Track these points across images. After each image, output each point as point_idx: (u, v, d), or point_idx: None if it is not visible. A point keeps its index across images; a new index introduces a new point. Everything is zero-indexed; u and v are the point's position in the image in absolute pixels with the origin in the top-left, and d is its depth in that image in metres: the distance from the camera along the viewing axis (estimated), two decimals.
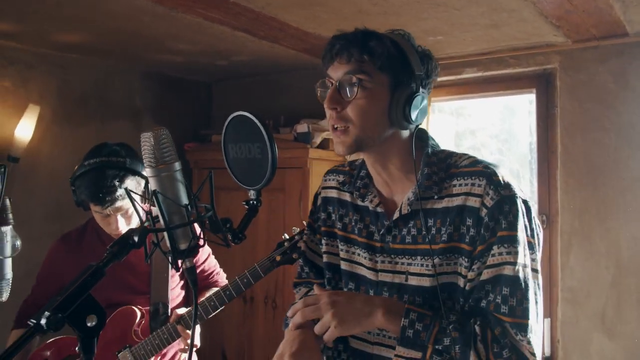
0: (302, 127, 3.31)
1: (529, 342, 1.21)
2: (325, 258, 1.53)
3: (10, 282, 1.66)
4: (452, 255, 1.29)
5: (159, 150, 1.02)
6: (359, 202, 1.46)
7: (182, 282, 2.30)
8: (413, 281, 1.33)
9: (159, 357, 2.15)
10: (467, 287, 1.27)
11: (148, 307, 2.18)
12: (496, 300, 1.23)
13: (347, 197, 1.50)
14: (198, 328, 2.21)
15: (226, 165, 1.23)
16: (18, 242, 1.60)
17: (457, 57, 3.20)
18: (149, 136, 1.02)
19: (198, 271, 2.32)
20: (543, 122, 3.07)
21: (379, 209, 1.40)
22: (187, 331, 2.08)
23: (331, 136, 3.38)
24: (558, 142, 2.97)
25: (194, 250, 1.05)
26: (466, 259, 1.27)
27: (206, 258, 2.37)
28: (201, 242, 1.07)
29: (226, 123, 1.20)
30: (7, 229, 1.59)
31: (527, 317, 1.22)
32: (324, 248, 1.54)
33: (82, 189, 1.98)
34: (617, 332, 2.77)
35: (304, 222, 1.94)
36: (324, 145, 3.35)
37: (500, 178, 1.27)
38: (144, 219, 1.66)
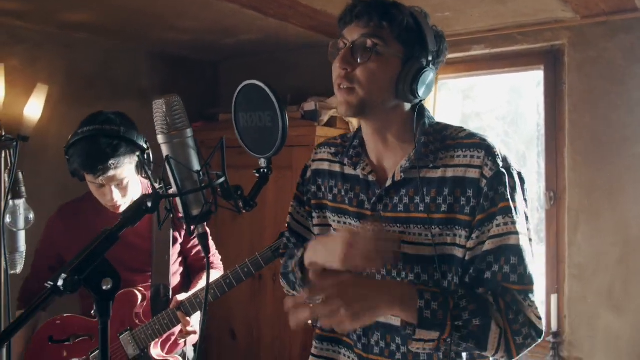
0: (309, 105, 3.31)
1: (536, 307, 1.26)
2: (316, 230, 1.55)
3: (24, 255, 1.69)
4: (451, 227, 1.31)
5: (171, 116, 1.03)
6: (350, 172, 1.47)
7: (180, 268, 2.31)
8: (409, 250, 1.34)
9: (160, 341, 2.16)
10: (466, 258, 1.29)
11: (149, 289, 2.18)
12: (503, 270, 1.26)
13: (337, 168, 1.51)
14: (197, 315, 2.18)
15: (237, 134, 1.23)
16: (31, 215, 1.63)
17: (464, 34, 3.18)
18: (161, 103, 1.03)
19: (194, 252, 2.33)
20: (551, 99, 3.06)
21: (370, 177, 1.41)
22: (187, 318, 2.08)
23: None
24: (566, 119, 2.96)
25: (207, 216, 1.06)
26: (465, 230, 1.29)
27: None
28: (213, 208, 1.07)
29: (237, 92, 1.20)
30: (20, 202, 1.62)
31: (532, 283, 1.27)
32: (315, 221, 1.55)
33: (75, 157, 1.95)
34: (624, 308, 2.78)
35: None
36: (332, 123, 3.34)
37: (497, 150, 1.31)
38: (146, 192, 1.66)
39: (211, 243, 2.40)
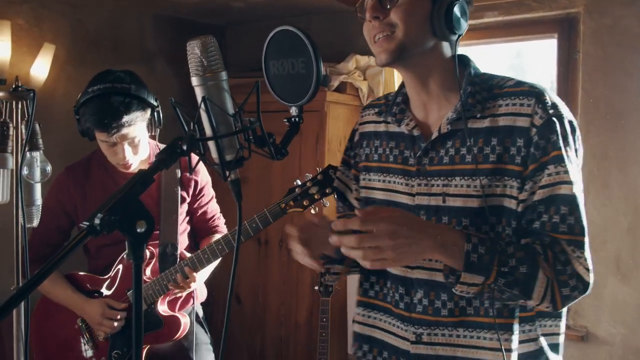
0: None
1: (585, 259, 1.23)
2: (363, 193, 1.54)
3: (41, 208, 1.67)
4: (501, 177, 1.28)
5: (206, 58, 1.00)
6: (395, 129, 1.46)
7: (188, 227, 2.30)
8: (456, 202, 1.32)
9: (168, 299, 2.17)
10: (519, 209, 1.27)
11: (157, 247, 2.16)
12: (553, 220, 1.23)
13: (382, 127, 1.50)
14: (205, 274, 2.19)
15: (266, 82, 1.21)
16: (48, 168, 1.60)
17: (478, 0, 3.13)
18: (196, 43, 1.00)
19: (200, 212, 2.32)
20: (564, 67, 3.03)
21: (415, 132, 1.40)
22: (194, 273, 2.07)
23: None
24: (579, 88, 2.93)
25: (241, 161, 1.04)
26: (517, 180, 1.27)
27: (209, 200, 2.35)
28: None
29: (268, 39, 1.17)
30: (37, 154, 1.59)
31: (583, 234, 1.24)
32: (361, 183, 1.54)
33: (86, 116, 1.93)
34: (631, 277, 2.79)
35: (318, 169, 1.92)
36: (341, 88, 3.31)
37: (548, 97, 1.27)
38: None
39: (216, 206, 2.39)
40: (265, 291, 3.49)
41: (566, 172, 1.24)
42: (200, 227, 2.34)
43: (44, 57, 2.95)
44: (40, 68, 2.94)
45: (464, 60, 1.39)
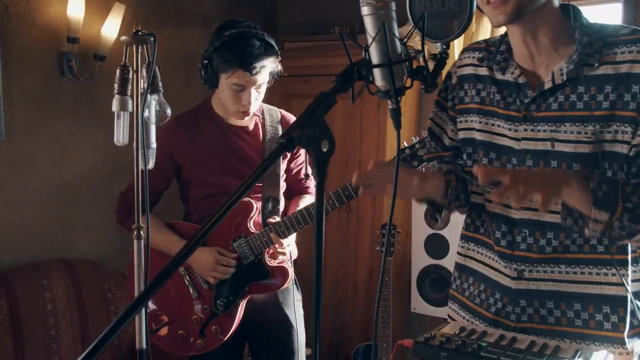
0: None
1: None
2: (461, 134, 1.58)
3: (155, 151, 1.72)
4: (612, 123, 1.32)
5: None
6: (499, 76, 1.49)
7: (284, 184, 2.33)
8: (566, 148, 1.37)
9: (270, 252, 2.20)
10: (631, 153, 1.31)
11: (260, 200, 2.22)
12: None
13: (485, 71, 1.53)
14: (293, 237, 2.23)
15: (411, 20, 1.25)
16: (168, 110, 1.64)
17: None
18: None
19: (295, 171, 2.35)
20: None
21: (520, 80, 1.43)
22: (280, 240, 2.11)
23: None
24: None
25: (403, 90, 1.08)
26: (631, 126, 1.31)
27: (303, 161, 2.38)
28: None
29: None
30: (155, 97, 1.64)
31: None
32: (459, 125, 1.58)
33: (226, 56, 1.97)
34: None
35: (423, 132, 1.94)
36: None
37: None
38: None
39: (309, 168, 2.41)
40: (323, 252, 3.54)
41: None
42: (293, 187, 2.38)
43: (114, 16, 2.98)
44: (111, 27, 2.98)
45: (576, 11, 1.42)
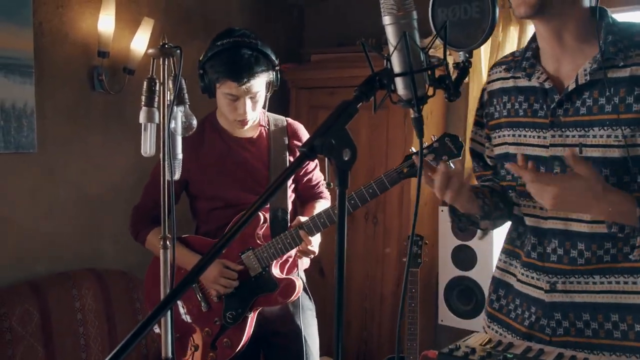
0: None
1: None
2: (497, 150, 1.57)
3: (181, 162, 1.74)
4: None
5: None
6: (524, 84, 1.48)
7: (293, 195, 2.35)
8: (594, 153, 1.34)
9: (279, 262, 2.21)
10: None
11: (267, 212, 2.22)
12: None
13: (510, 83, 1.53)
14: (318, 237, 2.22)
15: (433, 29, 1.24)
16: (194, 122, 1.66)
17: None
18: None
19: (305, 179, 2.35)
20: None
21: (546, 85, 1.42)
22: (309, 237, 2.11)
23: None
24: None
25: (426, 98, 1.08)
26: None
27: (314, 168, 2.39)
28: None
29: None
30: (181, 108, 1.66)
31: None
32: (494, 141, 1.58)
33: (216, 67, 2.00)
34: None
35: (433, 137, 1.93)
36: None
37: None
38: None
39: (319, 174, 2.43)
40: (349, 264, 3.53)
41: None
42: (306, 194, 2.39)
43: (143, 31, 3.04)
44: (140, 41, 3.04)
45: (601, 11, 1.40)
